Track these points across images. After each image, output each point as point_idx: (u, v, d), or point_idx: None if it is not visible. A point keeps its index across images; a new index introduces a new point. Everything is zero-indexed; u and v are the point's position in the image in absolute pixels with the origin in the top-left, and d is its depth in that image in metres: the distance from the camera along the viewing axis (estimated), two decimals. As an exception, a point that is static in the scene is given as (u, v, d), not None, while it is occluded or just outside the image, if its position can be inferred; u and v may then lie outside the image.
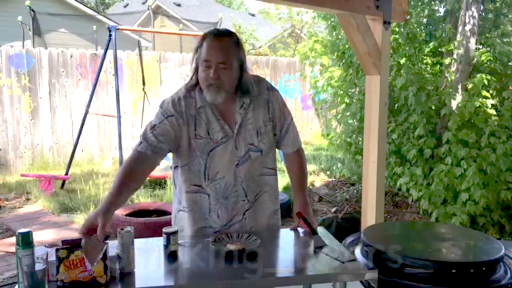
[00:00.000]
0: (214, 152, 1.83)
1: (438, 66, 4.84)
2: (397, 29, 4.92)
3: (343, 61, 5.58)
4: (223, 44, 1.77)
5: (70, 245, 1.43)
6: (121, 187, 1.68)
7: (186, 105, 1.82)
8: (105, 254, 1.43)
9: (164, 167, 5.85)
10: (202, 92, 1.82)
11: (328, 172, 7.21)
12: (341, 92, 5.64)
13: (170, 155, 1.93)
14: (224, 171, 1.84)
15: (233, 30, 2.34)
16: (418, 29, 4.94)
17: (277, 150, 2.04)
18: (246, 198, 1.89)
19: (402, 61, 4.83)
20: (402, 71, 4.68)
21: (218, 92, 1.77)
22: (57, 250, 1.40)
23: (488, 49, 4.96)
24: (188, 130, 1.82)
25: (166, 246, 1.65)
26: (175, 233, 1.66)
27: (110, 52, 5.82)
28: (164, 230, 1.66)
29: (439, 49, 4.98)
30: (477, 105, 4.34)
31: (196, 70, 1.83)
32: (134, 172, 1.75)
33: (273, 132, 1.93)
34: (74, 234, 4.49)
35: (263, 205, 1.94)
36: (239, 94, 1.85)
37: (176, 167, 1.92)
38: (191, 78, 1.87)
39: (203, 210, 1.88)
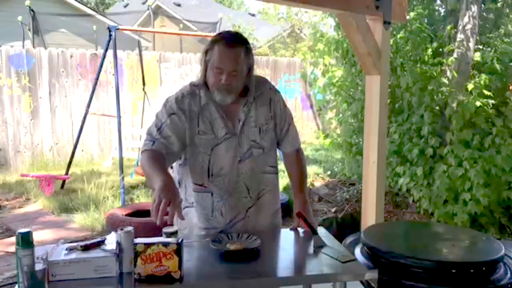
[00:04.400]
0: (217, 148, 1.85)
1: (440, 66, 4.83)
2: (398, 29, 4.91)
3: (346, 60, 5.54)
4: (235, 53, 1.78)
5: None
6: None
7: (190, 102, 1.85)
8: (180, 249, 1.46)
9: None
10: (207, 90, 1.86)
11: (328, 172, 7.20)
12: (343, 91, 5.62)
13: None
14: (227, 167, 1.86)
15: (232, 30, 2.34)
16: (420, 30, 4.92)
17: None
18: (248, 195, 1.90)
19: (405, 61, 4.82)
20: (400, 70, 4.67)
21: (228, 94, 1.81)
22: (135, 244, 1.45)
23: (489, 49, 4.95)
24: (191, 126, 1.84)
25: (166, 246, 1.64)
26: (175, 233, 1.65)
27: (110, 52, 5.82)
28: (164, 230, 1.65)
29: (440, 49, 4.97)
30: (478, 105, 4.34)
31: (204, 72, 1.86)
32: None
33: (274, 131, 1.96)
34: (74, 234, 4.52)
35: (266, 204, 1.96)
36: (243, 93, 1.89)
37: (181, 164, 1.93)
38: (199, 78, 1.90)
39: (206, 211, 1.90)
